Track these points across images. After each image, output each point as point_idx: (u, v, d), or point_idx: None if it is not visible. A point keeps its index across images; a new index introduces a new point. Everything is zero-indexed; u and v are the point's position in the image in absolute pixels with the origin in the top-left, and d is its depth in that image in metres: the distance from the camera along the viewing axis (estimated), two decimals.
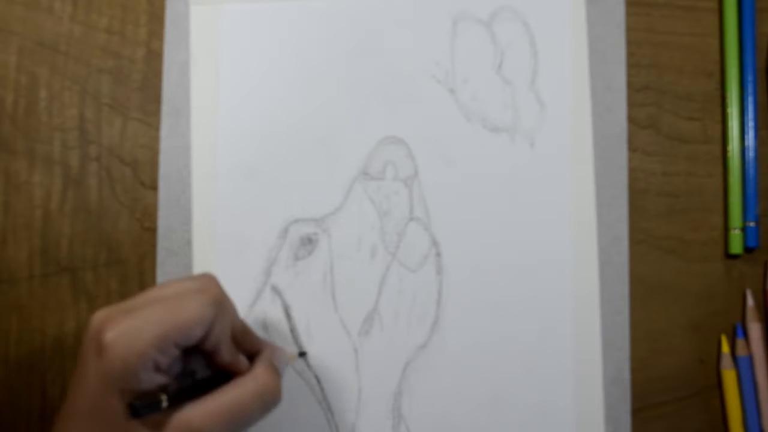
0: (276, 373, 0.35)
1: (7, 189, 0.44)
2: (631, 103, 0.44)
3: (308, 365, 0.42)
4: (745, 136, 0.43)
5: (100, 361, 0.30)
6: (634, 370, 0.42)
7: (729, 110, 0.44)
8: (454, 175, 0.43)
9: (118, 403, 0.30)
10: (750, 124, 0.43)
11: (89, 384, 0.30)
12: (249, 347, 0.37)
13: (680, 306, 0.43)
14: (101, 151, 0.44)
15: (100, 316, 0.31)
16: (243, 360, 0.36)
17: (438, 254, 0.42)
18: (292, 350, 0.42)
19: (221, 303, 0.33)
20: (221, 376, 0.35)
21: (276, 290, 0.42)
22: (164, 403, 0.31)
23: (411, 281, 0.42)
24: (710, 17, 0.45)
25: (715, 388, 0.43)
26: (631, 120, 0.44)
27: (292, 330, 0.42)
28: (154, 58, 0.45)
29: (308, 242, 0.43)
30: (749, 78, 0.43)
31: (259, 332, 0.42)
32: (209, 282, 0.34)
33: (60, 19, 0.45)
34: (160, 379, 0.32)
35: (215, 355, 0.34)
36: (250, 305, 0.42)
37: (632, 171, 0.43)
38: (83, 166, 0.44)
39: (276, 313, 0.42)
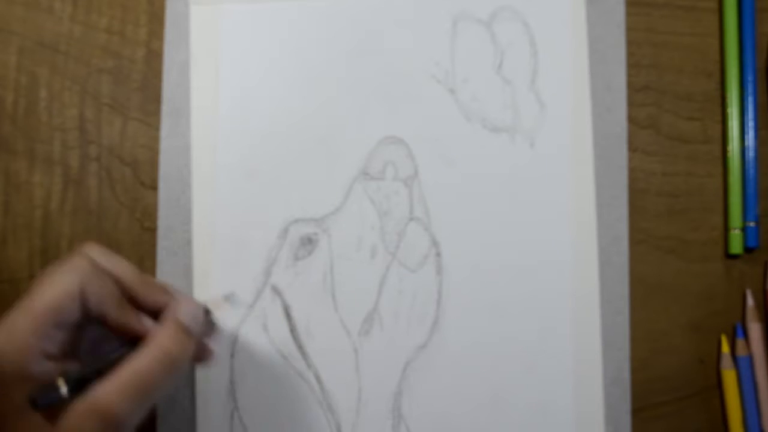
0: (181, 330, 0.33)
1: (7, 189, 0.44)
2: (631, 103, 0.44)
3: (308, 365, 0.42)
4: (745, 136, 0.43)
5: None
6: (634, 370, 0.42)
7: (729, 110, 0.44)
8: (454, 175, 0.43)
9: (15, 400, 0.29)
10: (750, 124, 0.43)
11: None
12: (154, 302, 0.34)
13: (680, 306, 0.43)
14: (101, 151, 0.44)
15: None
16: (144, 320, 0.33)
17: (438, 254, 0.42)
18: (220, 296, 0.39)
19: (88, 269, 0.32)
20: (126, 345, 0.33)
21: (276, 290, 0.42)
22: (63, 389, 0.30)
23: (411, 281, 0.42)
24: (710, 17, 0.45)
25: (715, 388, 0.43)
26: (631, 120, 0.44)
27: (292, 330, 0.42)
28: (154, 58, 0.45)
29: (308, 242, 0.43)
30: (749, 78, 0.43)
31: (260, 332, 0.42)
32: (76, 253, 0.33)
33: (60, 19, 0.45)
34: (54, 365, 0.31)
35: (106, 324, 0.33)
36: (250, 305, 0.42)
37: (632, 171, 0.43)
38: (83, 166, 0.44)
39: (276, 313, 0.42)
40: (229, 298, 0.40)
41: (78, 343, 0.33)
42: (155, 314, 0.34)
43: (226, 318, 0.42)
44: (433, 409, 0.42)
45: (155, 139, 0.44)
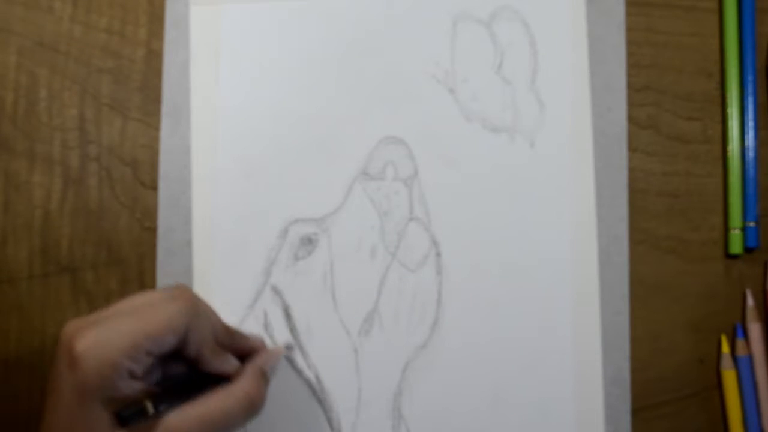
0: (263, 379, 0.36)
1: (7, 189, 0.44)
2: (631, 103, 0.44)
3: (308, 365, 0.42)
4: (745, 136, 0.43)
5: (73, 373, 0.30)
6: (634, 370, 0.42)
7: (729, 110, 0.44)
8: (454, 175, 0.43)
9: (98, 413, 0.30)
10: (750, 124, 0.43)
11: (65, 397, 0.30)
12: (237, 347, 0.37)
13: (680, 306, 0.43)
14: (101, 151, 0.44)
15: (70, 328, 0.32)
16: (231, 361, 0.36)
17: (438, 254, 0.42)
18: (281, 343, 0.42)
19: (194, 310, 0.33)
20: (209, 379, 0.35)
21: (276, 290, 0.42)
22: (150, 410, 0.31)
23: (411, 281, 0.42)
24: (710, 17, 0.45)
25: (715, 388, 0.43)
26: (631, 120, 0.44)
27: (292, 330, 0.42)
28: (154, 58, 0.45)
29: (308, 242, 0.43)
30: (749, 78, 0.43)
31: (260, 332, 0.42)
32: (182, 291, 0.34)
33: (60, 19, 0.45)
34: (137, 386, 0.32)
35: (199, 363, 0.34)
36: (250, 305, 0.42)
37: (632, 171, 0.43)
38: (83, 166, 0.44)
39: (276, 313, 0.42)
40: (290, 348, 0.42)
41: (152, 365, 0.34)
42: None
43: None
44: (433, 409, 0.42)
45: (155, 139, 0.44)
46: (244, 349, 0.37)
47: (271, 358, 0.38)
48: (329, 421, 0.42)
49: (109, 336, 0.31)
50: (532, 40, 0.44)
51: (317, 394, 0.42)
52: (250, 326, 0.42)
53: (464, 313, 0.42)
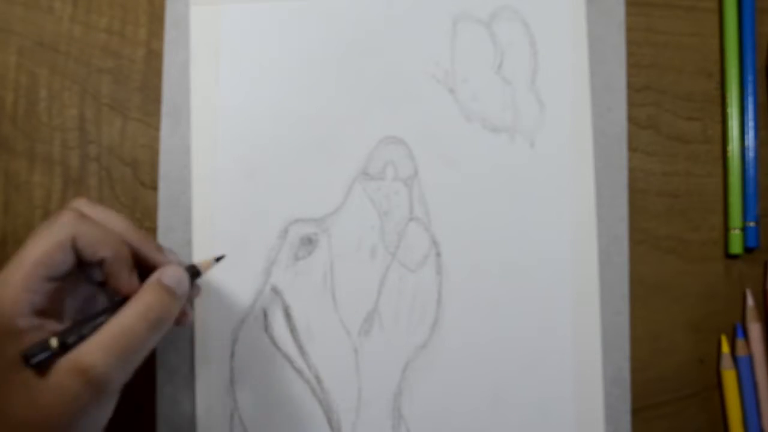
0: (165, 291, 0.33)
1: (7, 189, 0.44)
2: (631, 103, 0.44)
3: (308, 365, 0.42)
4: (745, 136, 0.43)
5: None
6: (634, 370, 0.42)
7: (729, 110, 0.44)
8: (454, 175, 0.43)
9: (7, 353, 0.30)
10: (750, 124, 0.43)
11: None
12: (148, 261, 0.35)
13: (680, 306, 0.43)
14: (101, 151, 0.44)
15: None
16: (132, 279, 0.34)
17: (438, 254, 0.42)
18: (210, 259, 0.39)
19: (76, 220, 0.32)
20: (117, 305, 0.33)
21: (276, 290, 0.42)
22: (54, 344, 0.30)
23: (411, 281, 0.42)
24: (710, 17, 0.45)
25: (715, 388, 0.43)
26: (631, 120, 0.44)
27: (292, 330, 0.42)
28: (154, 58, 0.45)
29: (308, 242, 0.43)
30: (749, 78, 0.43)
31: (259, 332, 0.42)
32: (66, 208, 0.33)
33: (60, 19, 0.45)
34: (41, 321, 0.31)
35: (106, 275, 0.33)
36: (250, 305, 0.42)
37: (632, 171, 0.43)
38: (83, 166, 0.44)
39: (276, 313, 0.42)
40: (219, 260, 0.39)
41: (65, 302, 0.33)
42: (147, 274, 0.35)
43: (225, 314, 0.42)
44: (433, 409, 0.42)
45: (155, 139, 0.44)
46: (153, 264, 0.35)
47: (173, 271, 0.34)
48: (329, 421, 0.42)
49: (4, 276, 0.31)
50: (532, 40, 0.44)
51: (317, 394, 0.42)
52: (250, 326, 0.42)
53: (464, 313, 0.42)
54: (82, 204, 0.34)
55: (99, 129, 0.45)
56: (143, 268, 0.35)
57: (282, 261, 0.43)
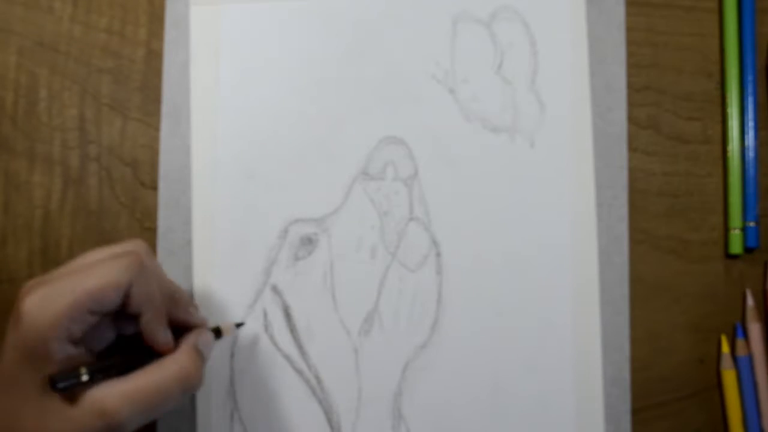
0: (199, 357, 0.35)
1: (7, 189, 0.44)
2: (631, 103, 0.44)
3: (308, 365, 0.42)
4: (745, 136, 0.43)
5: (15, 330, 0.30)
6: (634, 370, 0.42)
7: (729, 110, 0.44)
8: (454, 175, 0.43)
9: (32, 374, 0.30)
10: (750, 124, 0.43)
11: (7, 355, 0.31)
12: (180, 319, 0.36)
13: (680, 306, 0.43)
14: (101, 151, 0.44)
15: (26, 286, 0.31)
16: (168, 336, 0.35)
17: (438, 254, 0.42)
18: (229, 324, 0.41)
19: (140, 268, 0.33)
20: (147, 356, 0.34)
21: (276, 290, 0.42)
22: (84, 377, 0.31)
23: (411, 281, 0.42)
24: (710, 17, 0.45)
25: (715, 388, 0.43)
26: (631, 120, 0.44)
27: (292, 330, 0.42)
28: (154, 58, 0.45)
29: (308, 242, 0.43)
30: (749, 78, 0.43)
31: (260, 332, 0.42)
32: (133, 247, 0.34)
33: (60, 19, 0.45)
34: (73, 351, 0.31)
35: (141, 325, 0.33)
36: (250, 305, 0.42)
37: (632, 171, 0.43)
38: (83, 166, 0.44)
39: (276, 313, 0.42)
40: (239, 326, 0.42)
41: (94, 335, 0.33)
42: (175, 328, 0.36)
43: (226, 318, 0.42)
44: (433, 409, 0.42)
45: (155, 139, 0.44)
46: (185, 323, 0.36)
47: (206, 337, 0.36)
48: (329, 421, 0.42)
49: (52, 294, 0.31)
50: (532, 40, 0.44)
51: (317, 394, 0.42)
52: (250, 326, 0.42)
53: (464, 312, 0.42)
54: (143, 250, 0.34)
55: (99, 129, 0.45)
56: (174, 320, 0.36)
57: (282, 261, 0.43)
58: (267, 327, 0.42)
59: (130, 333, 0.35)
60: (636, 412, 0.42)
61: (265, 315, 0.42)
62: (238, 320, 0.42)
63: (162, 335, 0.34)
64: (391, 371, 0.42)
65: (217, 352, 0.42)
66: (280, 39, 0.44)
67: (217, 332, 0.38)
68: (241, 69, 0.44)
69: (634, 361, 0.42)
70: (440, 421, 0.42)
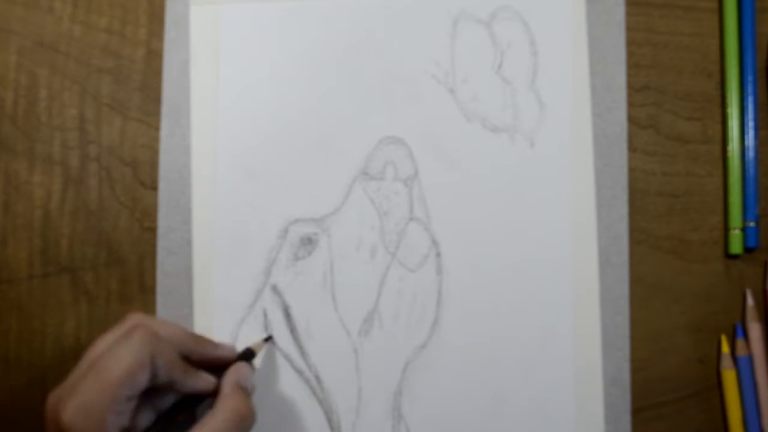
0: (245, 394, 0.36)
1: (7, 189, 0.44)
2: (631, 103, 0.44)
3: (308, 365, 0.42)
4: (745, 136, 0.43)
5: None
6: (634, 370, 0.42)
7: (729, 110, 0.44)
8: (454, 175, 0.43)
9: None
10: (750, 124, 0.43)
11: None
12: (208, 358, 0.37)
13: (680, 306, 0.43)
14: (101, 151, 0.44)
15: (52, 400, 0.32)
16: (206, 378, 0.36)
17: (438, 254, 0.42)
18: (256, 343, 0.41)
19: (152, 337, 0.33)
20: (192, 402, 0.35)
21: (276, 290, 0.42)
22: None
23: (411, 281, 0.42)
24: (710, 17, 0.45)
25: (715, 388, 0.43)
26: (631, 120, 0.44)
27: (292, 330, 0.42)
28: (154, 58, 0.45)
29: (308, 242, 0.43)
30: (749, 78, 0.43)
31: (260, 332, 0.42)
32: (134, 322, 0.34)
33: (60, 19, 0.45)
34: None
35: (175, 386, 0.34)
36: (250, 305, 0.42)
37: (632, 171, 0.43)
38: (83, 166, 0.44)
39: (276, 313, 0.42)
40: (267, 340, 0.42)
41: (138, 415, 0.34)
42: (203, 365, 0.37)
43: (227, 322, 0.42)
44: (433, 409, 0.42)
45: (155, 139, 0.44)
46: (215, 360, 0.37)
47: (245, 371, 0.37)
48: (329, 421, 0.42)
49: (88, 399, 0.31)
50: (532, 40, 0.44)
51: (317, 394, 0.42)
52: (250, 326, 0.42)
53: (464, 313, 0.42)
54: (145, 319, 0.35)
55: (99, 129, 0.45)
56: (204, 361, 0.37)
57: (282, 261, 0.43)
58: (267, 327, 0.42)
59: (168, 405, 0.36)
60: (636, 412, 0.42)
61: (265, 315, 0.42)
62: (264, 336, 0.42)
63: (201, 382, 0.35)
64: (390, 371, 0.42)
65: None
66: (280, 39, 0.44)
67: (249, 354, 0.39)
68: (241, 69, 0.44)
69: (634, 361, 0.42)
70: (440, 421, 0.42)
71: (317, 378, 0.42)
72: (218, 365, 0.37)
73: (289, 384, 0.42)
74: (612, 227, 0.43)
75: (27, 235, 0.44)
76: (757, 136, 0.43)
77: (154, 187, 0.44)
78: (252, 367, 0.39)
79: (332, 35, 0.44)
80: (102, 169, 0.44)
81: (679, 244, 0.43)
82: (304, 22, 0.44)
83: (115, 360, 0.32)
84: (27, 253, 0.44)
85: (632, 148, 0.44)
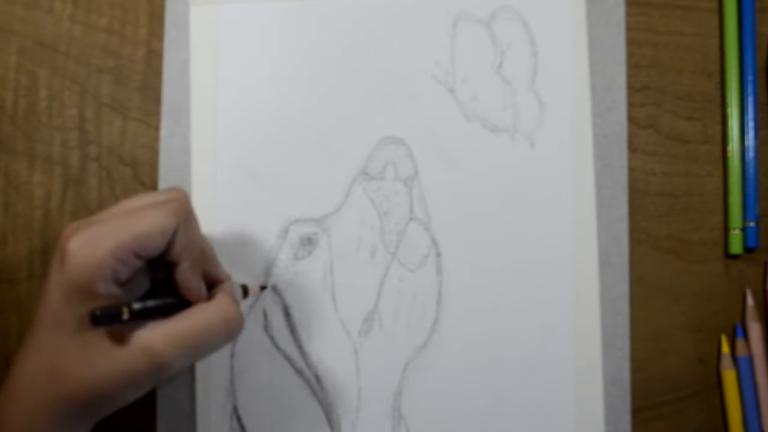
0: (237, 304, 0.35)
1: (7, 189, 0.44)
2: (631, 103, 0.44)
3: (308, 365, 0.42)
4: (745, 136, 0.43)
5: (61, 270, 0.31)
6: (634, 370, 0.42)
7: (729, 110, 0.44)
8: (454, 175, 0.43)
9: (77, 312, 0.31)
10: (750, 124, 0.43)
11: (52, 294, 0.31)
12: (209, 274, 0.37)
13: (680, 306, 0.43)
14: (101, 151, 0.44)
15: (68, 229, 0.32)
16: (202, 286, 0.35)
17: (438, 254, 0.42)
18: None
19: (184, 215, 0.33)
20: (182, 303, 0.34)
21: (276, 290, 0.42)
22: (125, 315, 0.31)
23: (411, 281, 0.42)
24: (710, 17, 0.45)
25: (715, 388, 0.43)
26: (631, 120, 0.44)
27: (292, 330, 0.42)
28: (154, 58, 0.45)
29: (308, 242, 0.43)
30: (749, 78, 0.43)
31: (259, 332, 0.42)
32: (176, 194, 0.34)
33: (60, 19, 0.45)
34: (118, 292, 0.32)
35: (177, 270, 0.34)
36: (251, 305, 0.42)
37: (632, 171, 0.43)
38: (83, 166, 0.44)
39: (276, 313, 0.42)
40: (263, 289, 0.41)
41: (134, 280, 0.34)
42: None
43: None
44: (433, 409, 0.42)
45: (155, 139, 0.44)
46: (213, 277, 0.37)
47: (237, 290, 0.37)
48: (329, 421, 0.42)
49: (99, 235, 0.31)
50: (532, 40, 0.44)
51: (317, 394, 0.42)
52: (250, 326, 0.42)
53: (464, 313, 0.42)
54: (186, 197, 0.35)
55: (99, 129, 0.45)
56: (203, 274, 0.36)
57: (282, 261, 0.43)
58: (267, 327, 0.42)
59: (161, 278, 0.35)
60: (636, 412, 0.42)
61: (265, 315, 0.42)
62: (262, 284, 0.42)
63: (197, 284, 0.35)
64: (390, 371, 0.42)
65: (217, 352, 0.42)
66: (280, 39, 0.44)
67: (244, 291, 0.39)
68: (241, 69, 0.44)
69: (634, 361, 0.42)
70: (440, 421, 0.42)
71: (317, 378, 0.42)
72: (209, 285, 0.37)
73: (289, 384, 0.42)
74: (612, 227, 0.43)
75: (27, 235, 0.44)
76: (757, 136, 0.43)
77: (154, 187, 0.44)
78: (238, 288, 0.38)
79: (332, 35, 0.44)
80: (102, 169, 0.44)
81: (679, 244, 0.43)
82: (304, 22, 0.44)
83: (141, 216, 0.32)
84: (27, 253, 0.44)
85: (632, 148, 0.44)
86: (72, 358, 0.31)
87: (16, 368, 0.32)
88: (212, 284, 0.37)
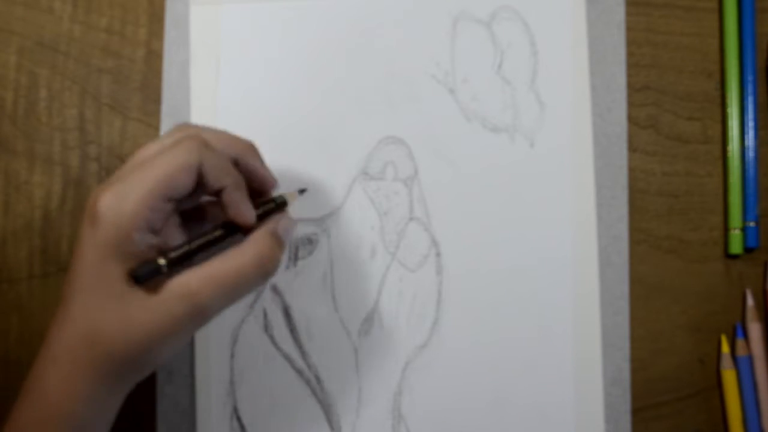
0: (277, 243, 0.35)
1: (7, 189, 0.44)
2: (631, 103, 0.44)
3: (308, 365, 0.42)
4: (745, 136, 0.43)
5: (94, 230, 0.31)
6: (634, 370, 0.42)
7: (729, 110, 0.44)
8: (454, 175, 0.43)
9: (116, 269, 0.31)
10: (750, 124, 0.43)
11: (87, 256, 0.31)
12: (253, 171, 0.36)
13: (680, 306, 0.43)
14: (101, 151, 0.44)
15: (95, 192, 0.32)
16: (251, 210, 0.34)
17: (438, 254, 0.42)
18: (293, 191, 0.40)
19: (202, 145, 0.33)
20: (221, 240, 0.34)
21: (276, 290, 0.42)
22: (164, 268, 0.31)
23: (411, 281, 0.42)
24: (710, 17, 0.45)
25: (715, 388, 0.43)
26: (631, 120, 0.44)
27: (292, 330, 0.42)
28: (154, 58, 0.45)
29: (308, 242, 0.43)
30: (749, 78, 0.43)
31: (259, 332, 0.42)
32: (186, 131, 0.34)
33: (60, 19, 0.45)
34: (155, 240, 0.32)
35: (222, 197, 0.34)
36: (250, 305, 0.42)
37: (632, 171, 0.43)
38: (83, 166, 0.44)
39: (276, 313, 0.42)
40: (302, 192, 0.40)
41: (172, 224, 0.34)
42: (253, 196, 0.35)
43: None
44: (433, 409, 0.42)
45: (155, 139, 0.44)
46: (259, 178, 0.36)
47: (286, 223, 0.36)
48: (329, 421, 0.42)
49: (125, 190, 0.31)
50: (532, 40, 0.44)
51: (317, 394, 0.42)
52: (250, 326, 0.42)
53: (464, 313, 0.42)
54: (200, 131, 0.34)
55: (99, 129, 0.45)
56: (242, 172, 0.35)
57: (282, 261, 0.43)
58: (267, 327, 0.42)
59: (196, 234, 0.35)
60: (636, 412, 0.42)
61: (265, 315, 0.42)
62: (295, 193, 0.39)
63: (246, 207, 0.34)
64: (390, 371, 0.42)
65: (217, 352, 0.42)
66: (280, 39, 0.44)
67: (282, 205, 0.37)
68: (241, 69, 0.44)
69: (634, 361, 0.42)
70: (440, 421, 0.42)
71: (317, 378, 0.42)
72: (256, 192, 0.36)
73: (289, 384, 0.42)
74: (612, 227, 0.43)
75: (27, 235, 0.44)
76: (757, 136, 0.43)
77: None
78: (292, 220, 0.37)
79: (332, 35, 0.44)
80: (102, 169, 0.44)
81: (679, 244, 0.43)
82: (304, 22, 0.44)
83: (161, 159, 0.32)
84: (27, 253, 0.44)
85: (632, 148, 0.44)
86: (110, 317, 0.31)
87: (53, 335, 0.32)
88: (256, 191, 0.36)
